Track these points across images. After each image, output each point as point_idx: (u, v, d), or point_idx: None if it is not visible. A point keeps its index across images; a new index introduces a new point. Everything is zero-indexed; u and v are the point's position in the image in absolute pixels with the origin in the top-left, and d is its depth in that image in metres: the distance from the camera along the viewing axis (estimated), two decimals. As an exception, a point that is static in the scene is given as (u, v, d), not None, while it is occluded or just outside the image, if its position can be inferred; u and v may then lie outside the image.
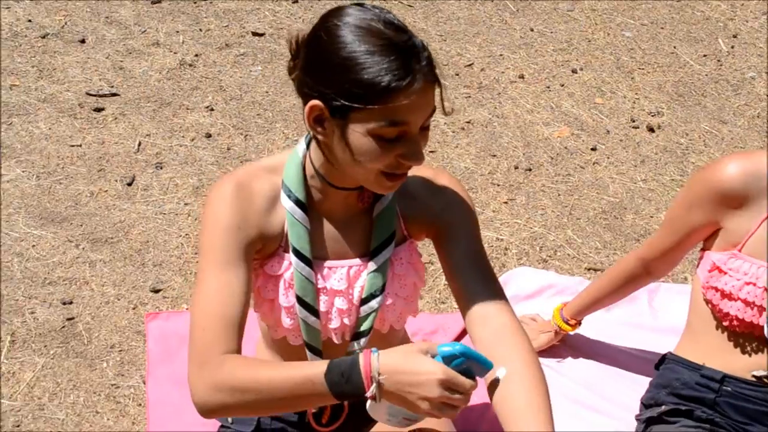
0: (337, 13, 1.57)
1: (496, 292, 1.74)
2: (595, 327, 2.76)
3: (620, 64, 4.21)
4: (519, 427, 1.57)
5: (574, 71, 4.12)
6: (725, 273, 2.04)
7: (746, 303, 2.02)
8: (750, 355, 2.08)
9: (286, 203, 1.71)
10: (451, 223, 1.78)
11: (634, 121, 3.83)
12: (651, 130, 3.79)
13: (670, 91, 4.06)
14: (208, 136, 3.52)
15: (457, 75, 4.02)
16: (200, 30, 4.13)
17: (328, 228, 1.76)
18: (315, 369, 1.51)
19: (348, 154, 1.59)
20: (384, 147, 1.56)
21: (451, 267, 1.77)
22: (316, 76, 1.57)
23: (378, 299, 1.77)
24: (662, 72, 4.18)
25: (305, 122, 1.61)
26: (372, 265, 1.76)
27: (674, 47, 4.37)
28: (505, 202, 3.35)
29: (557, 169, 3.54)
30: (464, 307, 1.74)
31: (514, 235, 3.20)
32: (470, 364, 1.52)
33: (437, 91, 1.58)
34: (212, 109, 3.66)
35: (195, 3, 4.31)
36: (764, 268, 2.00)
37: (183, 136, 3.51)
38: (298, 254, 1.72)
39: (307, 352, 1.79)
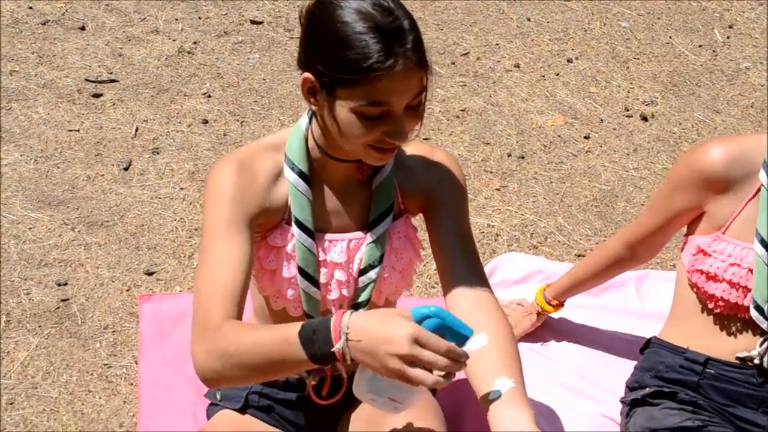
0: None
1: (477, 270, 1.80)
2: (583, 313, 2.78)
3: (616, 53, 4.23)
4: (487, 381, 1.61)
5: (569, 61, 4.14)
6: (709, 255, 2.07)
7: (731, 284, 2.04)
8: (735, 336, 2.11)
9: (290, 175, 1.76)
10: (441, 198, 1.83)
11: (628, 110, 3.85)
12: (644, 119, 3.81)
13: (665, 80, 4.08)
14: (205, 122, 3.56)
15: (453, 64, 4.04)
16: (199, 18, 4.16)
17: (329, 200, 1.81)
18: (290, 329, 1.53)
19: (336, 127, 1.64)
20: (367, 125, 1.61)
21: (438, 240, 1.82)
22: (308, 50, 1.64)
23: (376, 270, 1.81)
24: (657, 62, 4.20)
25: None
26: (370, 237, 1.81)
27: (670, 37, 4.39)
28: (498, 189, 3.37)
29: (550, 156, 3.57)
30: (446, 281, 1.80)
31: (506, 222, 3.23)
32: (446, 331, 1.50)
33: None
34: (209, 96, 3.70)
35: (194, -9, 4.35)
36: (748, 249, 2.03)
37: (180, 122, 3.55)
38: (300, 226, 1.76)
39: None
